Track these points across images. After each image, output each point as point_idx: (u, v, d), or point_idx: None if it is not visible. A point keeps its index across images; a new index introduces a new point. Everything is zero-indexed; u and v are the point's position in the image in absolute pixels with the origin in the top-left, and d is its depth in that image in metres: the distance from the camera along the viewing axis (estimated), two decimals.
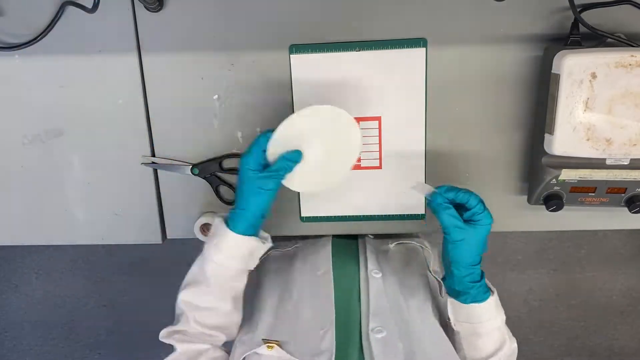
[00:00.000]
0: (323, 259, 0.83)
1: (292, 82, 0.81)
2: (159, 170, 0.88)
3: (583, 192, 0.77)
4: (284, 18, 0.79)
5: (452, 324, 0.76)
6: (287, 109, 0.82)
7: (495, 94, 0.80)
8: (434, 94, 0.81)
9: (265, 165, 0.72)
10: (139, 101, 0.83)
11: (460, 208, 0.71)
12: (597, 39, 0.73)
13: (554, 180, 0.77)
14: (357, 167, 0.85)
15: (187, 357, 0.70)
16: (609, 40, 0.72)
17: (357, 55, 0.79)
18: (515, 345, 0.78)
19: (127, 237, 0.91)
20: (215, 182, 0.87)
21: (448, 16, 0.77)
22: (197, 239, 0.89)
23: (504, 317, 0.76)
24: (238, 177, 0.74)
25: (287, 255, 0.89)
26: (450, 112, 0.82)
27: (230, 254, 0.73)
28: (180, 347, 0.71)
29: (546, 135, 0.73)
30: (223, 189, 0.88)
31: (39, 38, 0.79)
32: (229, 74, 0.82)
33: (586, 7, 0.73)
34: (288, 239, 0.93)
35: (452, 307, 0.75)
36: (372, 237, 0.92)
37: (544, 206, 0.80)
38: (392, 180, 0.85)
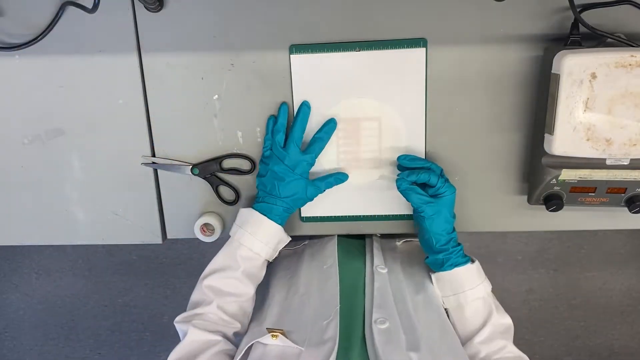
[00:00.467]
0: (329, 253, 0.84)
1: (292, 82, 0.81)
2: (159, 170, 0.88)
3: (583, 192, 0.77)
4: (284, 18, 0.79)
5: (442, 302, 0.78)
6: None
7: (495, 94, 0.80)
8: (434, 94, 0.81)
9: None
10: (139, 101, 0.83)
11: (425, 186, 0.78)
12: (597, 39, 0.73)
13: (554, 180, 0.77)
14: (356, 167, 0.85)
15: (198, 344, 0.70)
16: (609, 40, 0.72)
17: (357, 55, 0.79)
18: (509, 321, 0.78)
19: (127, 237, 0.91)
20: (215, 182, 0.87)
21: (448, 16, 0.77)
22: (197, 239, 0.89)
23: (488, 289, 0.78)
24: (273, 166, 0.78)
25: (296, 252, 0.90)
26: (450, 112, 0.82)
27: (265, 242, 0.77)
28: (193, 334, 0.71)
29: (546, 135, 0.73)
30: (223, 189, 0.88)
31: (39, 38, 0.79)
32: (229, 74, 0.82)
33: (586, 7, 0.73)
34: (294, 239, 0.94)
35: (437, 281, 0.79)
36: (379, 235, 0.93)
37: (544, 206, 0.80)
38: (392, 180, 0.85)
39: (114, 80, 0.83)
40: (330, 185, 0.83)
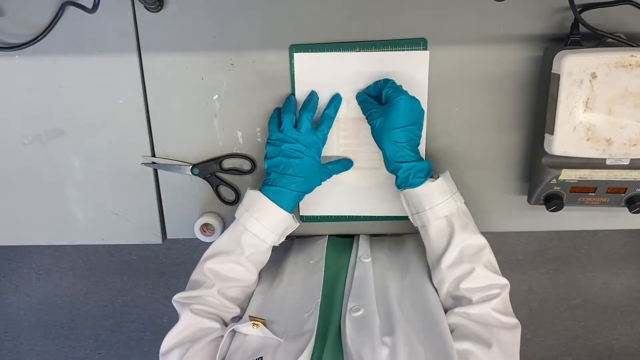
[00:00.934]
0: (318, 250, 0.83)
1: (292, 82, 0.81)
2: (159, 170, 0.88)
3: (583, 192, 0.77)
4: (284, 18, 0.79)
5: (411, 220, 0.77)
6: None
7: (495, 94, 0.80)
8: (434, 94, 0.81)
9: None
10: (139, 101, 0.83)
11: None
12: (597, 39, 0.73)
13: (554, 180, 0.77)
14: (356, 167, 0.85)
15: (194, 330, 0.70)
16: (609, 40, 0.72)
17: (357, 56, 0.79)
18: (480, 241, 0.73)
19: (127, 237, 0.91)
20: (215, 182, 0.87)
21: (448, 16, 0.77)
22: (197, 239, 0.89)
23: (452, 208, 0.73)
24: (286, 145, 0.76)
25: (284, 246, 0.89)
26: (450, 112, 0.82)
27: (271, 228, 0.75)
28: (190, 318, 0.71)
29: (546, 135, 0.73)
30: (223, 189, 0.88)
31: (39, 38, 0.79)
32: (229, 74, 0.82)
33: (586, 7, 0.73)
34: (289, 238, 0.94)
35: (403, 199, 0.77)
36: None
37: (544, 206, 0.80)
38: (390, 180, 0.85)
39: (114, 80, 0.83)
40: (337, 171, 0.82)
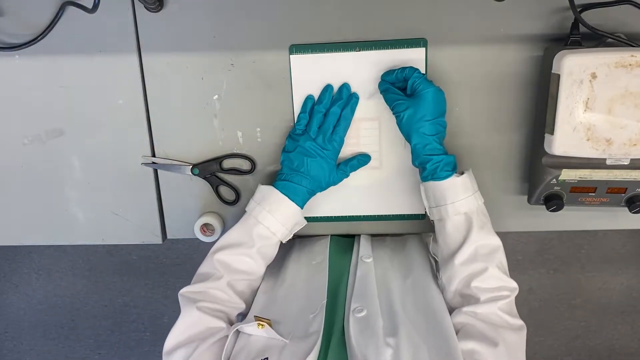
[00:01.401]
0: (320, 250, 0.83)
1: (292, 82, 0.81)
2: (159, 170, 0.88)
3: (583, 192, 0.77)
4: (284, 18, 0.79)
5: (428, 213, 0.77)
6: (287, 109, 0.83)
7: (495, 94, 0.80)
8: None
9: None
10: (139, 101, 0.83)
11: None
12: (597, 39, 0.73)
13: (554, 180, 0.77)
14: None
15: (200, 329, 0.69)
16: (609, 40, 0.72)
17: (357, 55, 0.79)
18: (496, 242, 0.72)
19: (127, 237, 0.91)
20: (215, 182, 0.87)
21: (448, 16, 0.77)
22: (197, 239, 0.89)
23: (473, 206, 0.73)
24: (304, 142, 0.77)
25: (285, 246, 0.89)
26: (450, 112, 0.81)
27: (282, 221, 0.77)
28: (196, 316, 0.70)
29: (546, 135, 0.73)
30: (223, 189, 0.88)
31: (39, 38, 0.79)
32: (229, 74, 0.82)
33: (586, 7, 0.73)
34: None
35: (424, 191, 0.77)
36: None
37: (544, 206, 0.80)
38: (391, 180, 0.85)
39: (114, 80, 0.83)
40: (354, 168, 0.82)
